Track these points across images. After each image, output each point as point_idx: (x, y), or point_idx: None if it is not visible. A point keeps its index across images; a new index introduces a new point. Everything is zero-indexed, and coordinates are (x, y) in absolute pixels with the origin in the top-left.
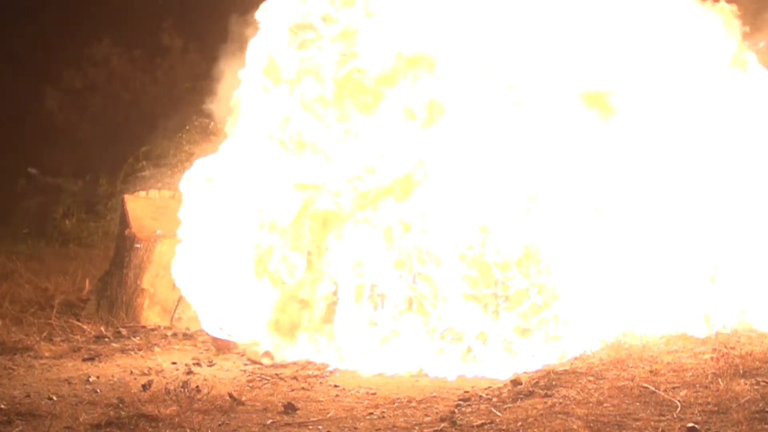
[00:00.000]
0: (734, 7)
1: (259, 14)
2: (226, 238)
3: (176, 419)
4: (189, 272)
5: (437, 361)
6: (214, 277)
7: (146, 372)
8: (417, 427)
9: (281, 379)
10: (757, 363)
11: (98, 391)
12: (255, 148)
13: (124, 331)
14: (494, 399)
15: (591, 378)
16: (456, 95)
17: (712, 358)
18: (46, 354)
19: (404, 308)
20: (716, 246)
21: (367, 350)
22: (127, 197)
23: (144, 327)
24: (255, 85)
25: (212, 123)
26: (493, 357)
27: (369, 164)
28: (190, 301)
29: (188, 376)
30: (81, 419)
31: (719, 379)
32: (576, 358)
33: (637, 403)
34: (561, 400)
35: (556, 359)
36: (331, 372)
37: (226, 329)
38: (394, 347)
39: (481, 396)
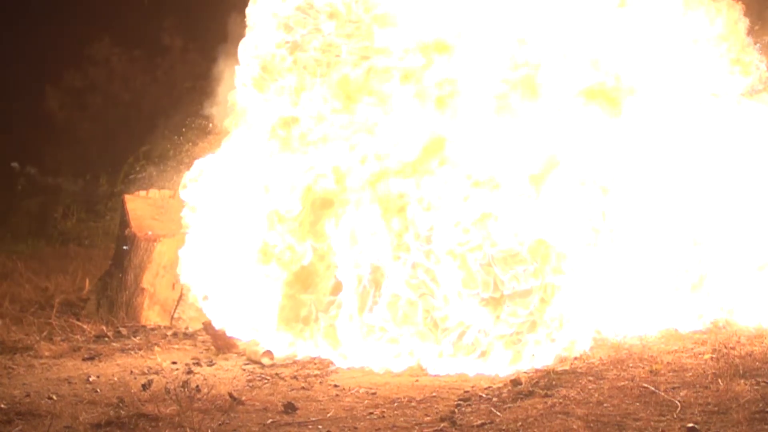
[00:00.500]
0: (739, 5)
1: (250, 9)
2: (230, 233)
3: (176, 419)
4: (193, 269)
5: (437, 360)
6: (219, 272)
7: (146, 372)
8: (417, 427)
9: (281, 378)
10: (757, 363)
11: (98, 390)
12: (256, 145)
13: (124, 331)
14: (494, 399)
15: (591, 378)
16: (467, 86)
17: (712, 358)
18: (46, 353)
19: (405, 307)
20: (714, 246)
21: (368, 349)
22: (127, 197)
23: (144, 327)
24: (253, 85)
25: (211, 124)
26: (494, 356)
27: (374, 153)
28: (195, 297)
29: (188, 376)
30: (81, 419)
31: (719, 379)
32: (576, 358)
33: (637, 403)
34: (561, 400)
35: (556, 359)
36: (331, 371)
37: (229, 325)
38: (394, 346)
39: (481, 396)
